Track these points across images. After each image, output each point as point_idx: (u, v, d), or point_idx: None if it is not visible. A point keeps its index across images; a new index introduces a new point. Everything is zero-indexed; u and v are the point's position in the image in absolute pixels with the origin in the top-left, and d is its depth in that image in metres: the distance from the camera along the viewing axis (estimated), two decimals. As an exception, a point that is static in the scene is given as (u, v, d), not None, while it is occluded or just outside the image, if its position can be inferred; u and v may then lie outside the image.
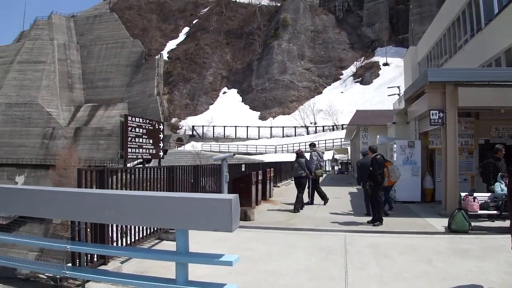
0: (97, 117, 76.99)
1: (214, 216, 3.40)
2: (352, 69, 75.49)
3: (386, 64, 72.25)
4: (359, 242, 7.67)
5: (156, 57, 79.95)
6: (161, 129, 9.39)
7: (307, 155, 13.56)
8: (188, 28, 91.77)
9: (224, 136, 62.77)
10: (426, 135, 14.14)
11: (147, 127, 8.61)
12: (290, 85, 73.42)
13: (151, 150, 8.83)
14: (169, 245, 6.88)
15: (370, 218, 9.69)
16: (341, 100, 66.80)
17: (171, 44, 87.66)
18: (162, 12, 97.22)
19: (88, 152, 68.23)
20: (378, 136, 18.13)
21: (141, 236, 6.82)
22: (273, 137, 61.51)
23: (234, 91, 76.01)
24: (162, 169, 7.95)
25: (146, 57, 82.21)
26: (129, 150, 7.97)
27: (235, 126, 62.91)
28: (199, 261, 3.73)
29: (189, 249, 3.66)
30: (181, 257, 3.62)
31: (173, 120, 68.42)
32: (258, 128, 62.98)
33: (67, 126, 76.32)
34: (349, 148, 44.22)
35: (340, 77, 76.01)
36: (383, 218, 9.60)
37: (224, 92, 76.23)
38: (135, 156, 8.33)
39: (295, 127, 62.11)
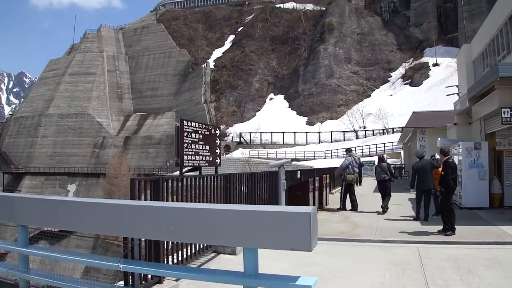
0: (146, 126, 78.20)
1: (290, 232, 2.86)
2: (400, 71, 73.58)
3: (436, 65, 70.01)
4: (435, 255, 6.88)
5: (203, 65, 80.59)
6: (217, 134, 8.83)
7: (341, 161, 13.37)
8: (234, 36, 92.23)
9: (272, 143, 62.25)
10: (493, 136, 13.15)
11: (203, 132, 8.07)
12: (337, 89, 72.26)
13: (207, 157, 8.27)
14: (228, 260, 6.39)
15: (440, 227, 8.83)
16: (391, 103, 65.16)
17: (217, 52, 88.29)
18: (207, 21, 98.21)
19: (137, 161, 69.31)
20: (439, 139, 17.07)
21: (196, 249, 6.31)
22: (321, 142, 60.51)
23: (280, 97, 75.50)
24: (218, 178, 7.43)
25: (193, 66, 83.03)
26: (185, 157, 7.45)
27: (283, 132, 62.29)
28: (271, 285, 3.11)
29: (258, 270, 3.11)
30: (250, 280, 3.08)
31: (221, 127, 68.35)
32: (305, 133, 62.15)
33: (117, 135, 77.93)
34: (402, 152, 42.73)
35: (389, 79, 74.21)
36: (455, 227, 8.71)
37: (271, 98, 75.87)
38: (191, 164, 7.83)
39: (343, 131, 60.89)
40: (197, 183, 6.67)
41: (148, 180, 5.20)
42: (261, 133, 63.14)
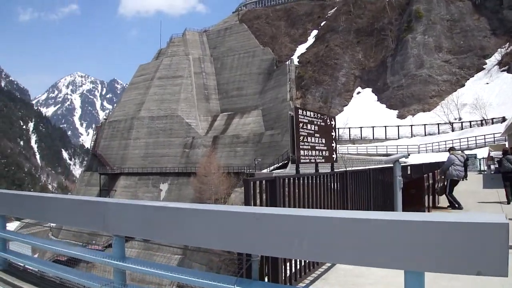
0: (233, 125, 79.09)
1: (477, 251, 2.04)
2: (496, 57, 68.42)
3: (535, 49, 64.66)
4: None
5: (287, 62, 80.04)
6: (334, 126, 7.94)
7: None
8: (317, 31, 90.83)
9: (361, 138, 60.41)
10: None
11: (319, 122, 7.14)
12: (428, 80, 68.70)
13: (324, 152, 7.31)
14: (347, 272, 5.48)
15: None
16: (488, 92, 60.91)
17: (301, 49, 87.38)
18: (289, 18, 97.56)
19: (226, 159, 70.16)
20: None
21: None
22: (414, 136, 57.83)
23: (368, 90, 73.15)
24: (334, 176, 6.56)
25: (277, 64, 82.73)
26: (301, 152, 6.55)
27: (372, 127, 60.21)
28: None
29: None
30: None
31: (308, 124, 67.69)
32: (397, 127, 59.67)
33: (205, 135, 79.50)
34: (506, 143, 39.59)
35: (484, 66, 69.33)
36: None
37: (358, 92, 73.72)
38: (307, 160, 6.85)
39: (438, 124, 57.70)
40: (315, 182, 5.84)
41: (264, 180, 4.52)
42: (349, 128, 61.39)
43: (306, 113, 6.86)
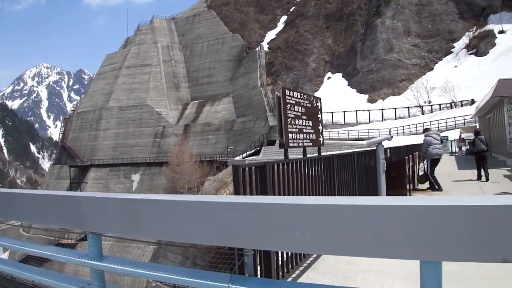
0: (204, 113, 78.40)
1: (503, 236, 1.76)
2: (464, 40, 69.38)
3: (502, 32, 65.55)
4: None
5: (257, 49, 79.50)
6: (319, 107, 7.61)
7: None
8: (286, 17, 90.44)
9: (333, 123, 60.59)
10: None
11: (305, 104, 6.73)
12: (398, 64, 69.28)
13: (311, 135, 6.91)
14: (337, 259, 5.24)
15: None
16: (456, 75, 61.81)
17: (271, 35, 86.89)
18: (258, 3, 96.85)
19: (198, 148, 69.63)
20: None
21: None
22: (385, 120, 58.31)
23: (339, 75, 73.34)
24: (322, 160, 6.28)
25: (247, 50, 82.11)
26: (289, 135, 6.14)
27: (344, 111, 60.44)
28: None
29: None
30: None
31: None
32: (368, 111, 60.02)
33: (176, 124, 78.64)
34: (477, 125, 40.21)
35: (452, 50, 70.27)
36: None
37: (329, 78, 73.85)
38: (296, 144, 6.46)
39: (408, 107, 58.32)
40: (303, 167, 5.56)
41: (253, 166, 4.22)
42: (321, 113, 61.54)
43: (293, 93, 6.49)
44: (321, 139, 7.41)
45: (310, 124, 6.89)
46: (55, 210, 3.99)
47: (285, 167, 4.91)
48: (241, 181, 3.97)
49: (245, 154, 59.01)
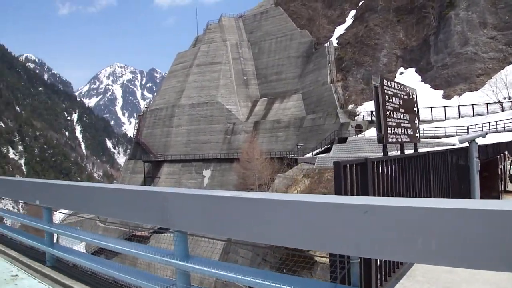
0: (274, 110, 78.71)
1: None
2: (547, 31, 65.23)
3: None
4: None
5: (326, 44, 78.61)
6: (416, 100, 7.27)
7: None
8: (355, 11, 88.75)
9: (406, 120, 58.93)
10: None
11: (402, 96, 6.45)
12: (474, 58, 66.08)
13: (409, 131, 6.60)
14: (433, 266, 4.87)
15: None
16: (539, 69, 58.34)
17: (340, 30, 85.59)
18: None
19: (267, 145, 70.03)
20: None
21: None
22: (461, 117, 55.96)
23: (411, 70, 71.05)
24: (420, 158, 6.14)
25: (316, 46, 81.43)
26: (389, 130, 5.88)
27: (418, 108, 58.57)
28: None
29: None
30: None
31: (350, 106, 66.33)
32: (443, 108, 57.86)
33: (246, 121, 79.50)
34: None
35: (532, 42, 66.31)
36: None
37: (401, 73, 71.72)
38: (394, 140, 6.13)
39: (487, 104, 55.53)
40: (403, 166, 5.46)
41: (354, 163, 4.14)
42: (393, 110, 59.97)
43: (390, 83, 6.26)
44: (417, 134, 7.14)
45: (407, 118, 6.64)
46: (139, 206, 3.96)
47: (388, 164, 4.78)
48: (343, 179, 3.78)
49: (315, 152, 58.73)
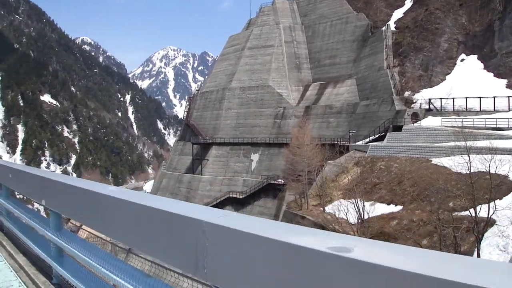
0: (326, 95, 76.59)
1: None
2: None
3: None
4: None
5: (383, 28, 75.32)
6: None
7: None
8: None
9: (467, 109, 55.68)
10: None
11: None
12: (542, 45, 61.76)
13: None
14: None
15: None
16: None
17: (398, 13, 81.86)
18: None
19: (318, 130, 68.34)
20: None
21: None
22: (527, 108, 52.36)
23: (473, 57, 67.03)
24: None
25: (372, 30, 78.22)
26: None
27: (479, 97, 55.12)
28: None
29: None
30: None
31: (406, 93, 63.39)
32: (507, 98, 54.19)
33: (297, 106, 77.92)
34: None
35: None
36: None
37: (462, 60, 67.85)
38: None
39: (555, 94, 51.68)
40: None
41: None
42: (453, 98, 56.79)
43: None
44: None
45: None
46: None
47: None
48: None
49: (368, 139, 56.63)
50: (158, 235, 2.71)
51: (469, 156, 22.41)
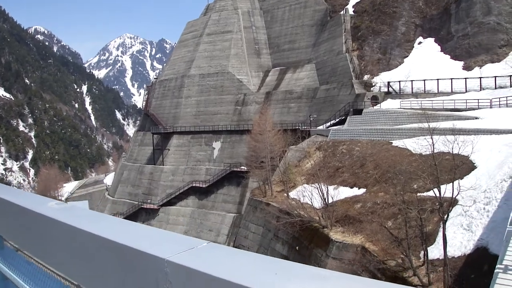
0: (286, 80, 76.12)
1: None
2: None
3: None
4: None
5: (341, 12, 75.22)
6: None
7: None
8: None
9: (425, 91, 56.41)
10: None
11: None
12: (497, 28, 62.82)
13: None
14: None
15: None
16: None
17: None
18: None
19: (279, 116, 68.05)
20: None
21: None
22: (483, 89, 53.28)
23: (430, 40, 67.83)
24: None
25: (331, 14, 78.00)
26: None
27: (437, 79, 55.86)
28: None
29: None
30: None
31: (366, 77, 63.63)
32: (464, 80, 55.11)
33: (257, 92, 77.20)
34: None
35: (559, 12, 62.90)
36: None
37: (420, 43, 68.54)
38: None
39: (510, 76, 52.76)
40: None
41: None
42: (412, 81, 57.42)
43: None
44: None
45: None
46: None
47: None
48: None
49: (328, 124, 56.71)
50: (109, 271, 2.03)
51: (432, 138, 22.33)
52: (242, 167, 63.81)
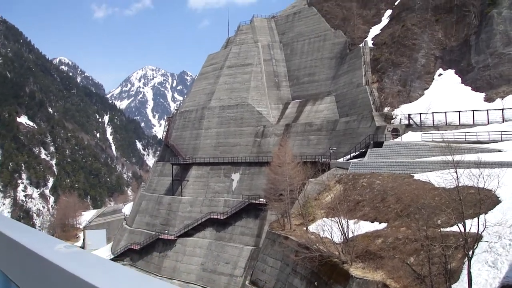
0: (305, 112, 76.19)
1: None
2: None
3: None
4: None
5: (361, 45, 75.65)
6: None
7: None
8: (391, 11, 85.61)
9: (446, 124, 55.74)
10: None
11: None
12: (518, 59, 62.45)
13: None
14: None
15: None
16: None
17: (375, 30, 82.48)
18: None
19: (298, 148, 67.73)
20: None
21: None
22: (505, 121, 52.37)
23: (451, 72, 67.48)
24: None
25: (350, 47, 78.55)
26: None
27: (459, 111, 55.24)
28: None
29: None
30: None
31: (386, 109, 63.26)
32: (486, 111, 54.36)
33: (277, 124, 77.30)
34: None
35: None
36: None
37: (440, 74, 68.23)
38: None
39: (533, 107, 51.98)
40: None
41: None
42: (433, 113, 56.86)
43: None
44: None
45: None
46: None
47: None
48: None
49: (348, 156, 56.19)
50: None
51: (456, 172, 21.83)
52: (260, 199, 63.26)
